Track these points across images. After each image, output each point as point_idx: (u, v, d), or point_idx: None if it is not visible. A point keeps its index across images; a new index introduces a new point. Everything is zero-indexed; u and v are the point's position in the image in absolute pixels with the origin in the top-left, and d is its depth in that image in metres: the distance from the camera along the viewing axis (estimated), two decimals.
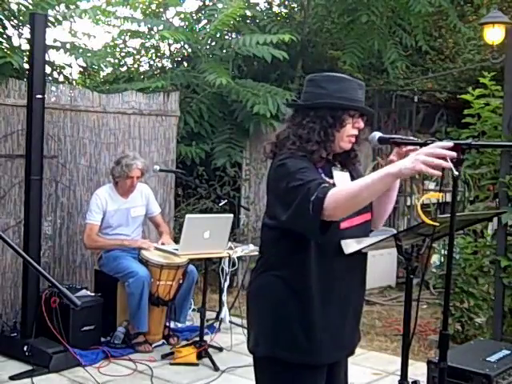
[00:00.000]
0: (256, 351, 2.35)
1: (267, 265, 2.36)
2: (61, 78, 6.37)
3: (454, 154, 1.95)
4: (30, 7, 5.44)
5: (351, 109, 2.31)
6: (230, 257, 4.76)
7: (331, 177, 2.36)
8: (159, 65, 7.95)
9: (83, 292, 4.85)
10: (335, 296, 2.30)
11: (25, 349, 4.37)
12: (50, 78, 5.99)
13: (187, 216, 4.55)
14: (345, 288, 2.32)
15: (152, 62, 7.94)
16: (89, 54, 6.17)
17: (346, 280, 2.32)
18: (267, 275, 2.34)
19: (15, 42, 5.49)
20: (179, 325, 5.30)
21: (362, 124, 2.34)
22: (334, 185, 2.28)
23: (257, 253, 5.50)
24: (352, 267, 2.34)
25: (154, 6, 7.44)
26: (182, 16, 7.17)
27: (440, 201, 2.31)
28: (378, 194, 2.10)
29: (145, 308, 4.78)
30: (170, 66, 7.88)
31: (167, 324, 5.09)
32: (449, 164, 1.92)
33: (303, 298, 2.26)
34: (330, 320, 2.29)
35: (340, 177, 2.39)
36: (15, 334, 4.68)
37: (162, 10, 7.41)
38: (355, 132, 2.35)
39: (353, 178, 2.41)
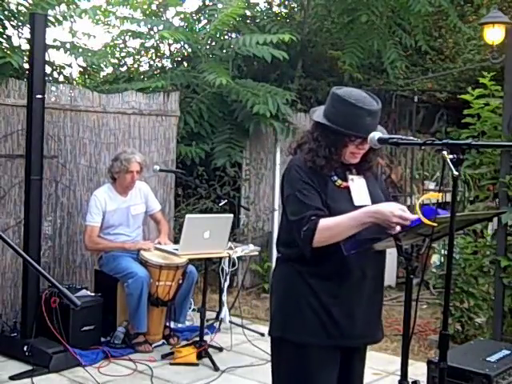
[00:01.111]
0: (270, 331, 2.53)
1: (285, 254, 2.50)
2: (61, 78, 6.37)
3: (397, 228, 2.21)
4: (30, 7, 5.44)
5: (350, 136, 2.38)
6: (230, 257, 4.76)
7: (345, 180, 2.46)
8: (159, 65, 7.95)
9: (83, 292, 4.85)
10: (347, 286, 2.39)
11: (25, 349, 4.37)
12: (50, 78, 5.99)
13: (187, 216, 4.55)
14: (358, 279, 2.41)
15: (152, 62, 7.94)
16: (89, 54, 6.18)
17: (360, 272, 2.40)
18: (285, 264, 2.50)
19: (15, 41, 5.49)
20: (179, 325, 5.30)
21: (366, 146, 2.42)
22: (348, 188, 2.43)
23: (257, 253, 5.56)
24: (366, 261, 2.41)
25: (154, 6, 7.44)
26: (182, 16, 7.17)
27: (440, 201, 2.31)
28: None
29: (144, 308, 4.78)
30: (170, 66, 7.87)
31: (167, 324, 5.09)
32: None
33: (315, 286, 2.39)
34: (340, 307, 2.39)
35: (355, 181, 2.49)
36: (15, 334, 4.68)
37: (162, 10, 7.41)
38: (359, 151, 2.44)
39: (369, 186, 2.51)
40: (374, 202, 2.48)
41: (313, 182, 2.38)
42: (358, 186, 2.48)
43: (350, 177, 2.48)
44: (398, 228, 2.21)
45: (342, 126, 2.37)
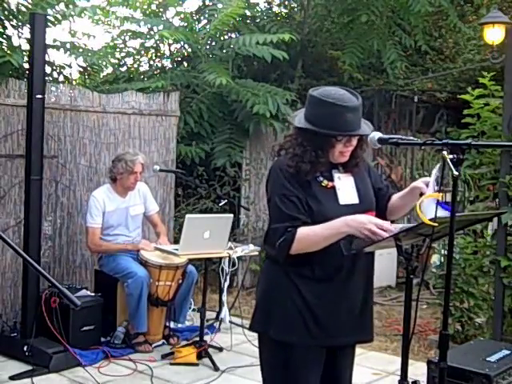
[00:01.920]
0: (252, 327, 2.55)
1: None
2: (61, 78, 6.37)
3: (384, 235, 2.19)
4: (30, 7, 5.44)
5: (336, 135, 2.36)
6: (229, 257, 4.76)
7: (331, 179, 2.43)
8: (159, 65, 7.95)
9: (83, 292, 4.85)
10: (334, 287, 2.39)
11: (25, 349, 4.37)
12: (50, 78, 5.98)
13: (187, 216, 4.55)
14: (345, 280, 2.40)
15: (152, 62, 7.94)
16: (89, 54, 6.18)
17: (346, 273, 2.40)
18: (272, 261, 2.48)
19: (15, 41, 5.49)
20: (179, 325, 5.30)
21: (354, 143, 2.41)
22: (333, 188, 2.41)
23: (257, 253, 5.57)
24: (355, 262, 2.41)
25: (154, 6, 7.44)
26: (182, 16, 7.17)
27: (440, 201, 2.31)
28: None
29: (144, 308, 4.77)
30: (170, 66, 7.87)
31: (167, 324, 5.09)
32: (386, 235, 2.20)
33: (300, 286, 2.38)
34: (325, 308, 2.38)
35: (342, 180, 2.46)
36: (15, 334, 4.68)
37: (161, 10, 7.41)
38: (348, 149, 2.42)
39: (357, 184, 2.48)
40: (361, 199, 2.47)
41: (294, 187, 2.35)
42: (344, 185, 2.45)
43: (337, 175, 2.46)
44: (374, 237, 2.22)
45: (325, 126, 2.33)
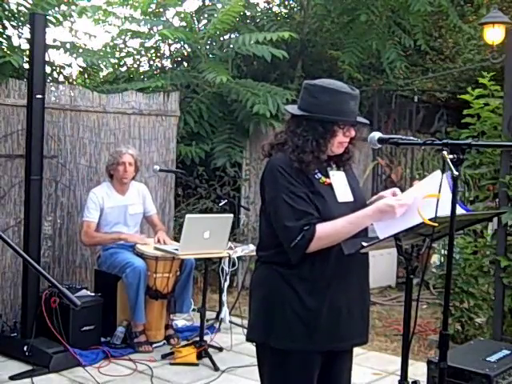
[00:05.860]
0: (251, 338, 2.48)
1: (266, 256, 2.44)
2: (61, 78, 6.38)
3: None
4: (30, 7, 5.44)
5: (340, 122, 2.37)
6: (229, 257, 4.77)
7: (327, 176, 2.44)
8: (159, 65, 7.95)
9: (83, 292, 4.85)
10: (334, 289, 2.36)
11: (25, 349, 4.38)
12: (49, 78, 5.99)
13: (187, 216, 4.55)
14: (343, 283, 2.38)
15: (152, 62, 7.95)
16: (89, 54, 6.18)
17: (343, 275, 2.38)
18: (266, 267, 2.44)
19: (15, 42, 5.50)
20: (179, 325, 5.32)
21: (353, 133, 2.42)
22: (330, 185, 2.41)
23: None
24: (351, 263, 2.38)
25: (153, 6, 7.44)
26: (182, 16, 7.17)
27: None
28: None
29: (142, 299, 4.78)
30: (170, 66, 7.88)
31: (171, 323, 5.11)
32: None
33: (300, 290, 2.33)
34: (326, 311, 2.34)
35: (336, 176, 2.47)
36: (15, 334, 4.68)
37: (161, 10, 7.41)
38: (347, 139, 2.43)
39: (349, 181, 2.50)
40: (355, 197, 2.47)
41: (298, 183, 2.32)
42: (339, 182, 2.46)
43: (331, 172, 2.46)
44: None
45: (331, 113, 2.34)
